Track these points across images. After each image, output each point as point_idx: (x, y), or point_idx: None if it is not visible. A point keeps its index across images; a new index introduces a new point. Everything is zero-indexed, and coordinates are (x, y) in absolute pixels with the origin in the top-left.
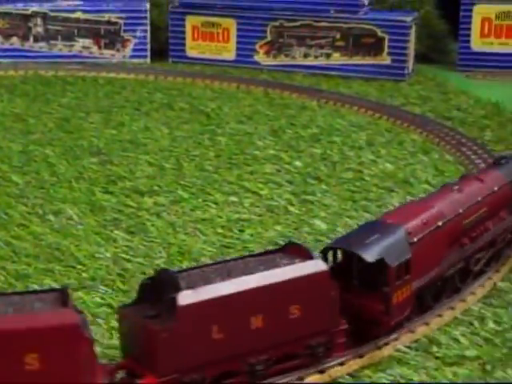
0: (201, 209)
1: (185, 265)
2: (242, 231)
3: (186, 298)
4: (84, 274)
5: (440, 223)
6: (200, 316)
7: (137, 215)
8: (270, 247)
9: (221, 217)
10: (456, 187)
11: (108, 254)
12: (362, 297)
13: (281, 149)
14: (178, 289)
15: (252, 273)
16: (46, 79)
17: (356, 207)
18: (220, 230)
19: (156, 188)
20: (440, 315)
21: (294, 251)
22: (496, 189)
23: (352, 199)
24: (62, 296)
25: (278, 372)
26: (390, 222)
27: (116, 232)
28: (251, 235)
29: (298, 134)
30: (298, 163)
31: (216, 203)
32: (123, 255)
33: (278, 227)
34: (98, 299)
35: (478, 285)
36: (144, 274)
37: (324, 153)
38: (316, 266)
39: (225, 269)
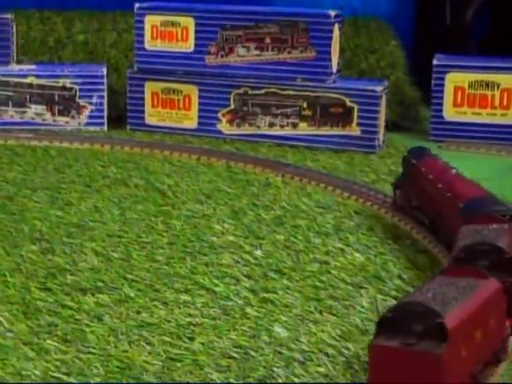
0: (148, 310)
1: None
2: (192, 339)
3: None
4: None
5: None
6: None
7: (75, 318)
8: (223, 360)
9: (169, 321)
10: None
11: (37, 372)
12: None
13: (241, 234)
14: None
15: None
16: None
17: (321, 308)
18: (167, 338)
19: (100, 284)
20: None
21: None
22: None
23: (317, 298)
24: None
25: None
26: None
27: (49, 341)
28: (202, 344)
29: (260, 216)
30: (258, 252)
31: (165, 303)
32: (55, 373)
33: (233, 334)
34: None
35: None
36: None
37: (287, 239)
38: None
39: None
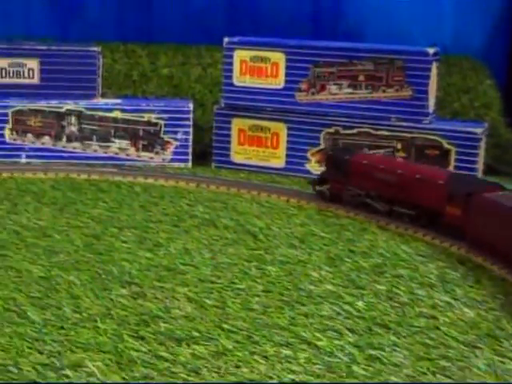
0: (247, 364)
1: None
2: None
3: None
4: None
5: None
6: None
7: (171, 371)
8: None
9: (271, 377)
10: None
11: None
12: None
13: (340, 283)
14: None
15: None
16: (78, 184)
17: (434, 369)
18: None
19: (195, 334)
20: None
21: None
22: None
23: (428, 357)
24: None
25: None
26: None
27: None
28: None
29: (357, 263)
30: (360, 304)
31: (266, 357)
32: None
33: None
34: None
35: None
36: None
37: (390, 290)
38: None
39: None
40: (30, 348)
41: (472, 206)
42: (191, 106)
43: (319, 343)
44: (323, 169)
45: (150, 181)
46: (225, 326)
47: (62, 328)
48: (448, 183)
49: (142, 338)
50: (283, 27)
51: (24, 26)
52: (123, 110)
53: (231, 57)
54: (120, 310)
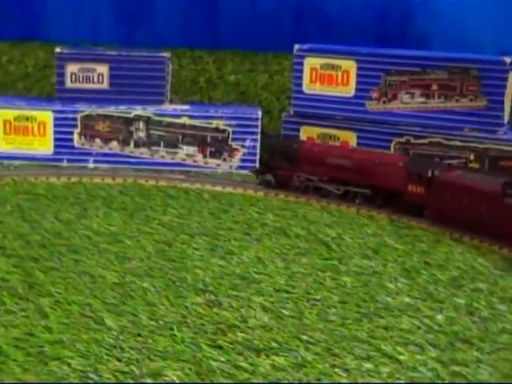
0: (329, 377)
1: None
2: None
3: None
4: None
5: None
6: None
7: (252, 383)
8: None
9: None
10: None
11: None
12: None
13: (417, 296)
14: None
15: None
16: (147, 190)
17: None
18: None
19: (274, 344)
20: None
21: None
22: None
23: None
24: None
25: None
26: None
27: None
28: None
29: (434, 276)
30: (439, 317)
31: (347, 370)
32: None
33: None
34: None
35: None
36: None
37: (469, 305)
38: None
39: None
40: (109, 355)
41: (435, 185)
42: (259, 113)
43: (401, 357)
44: (265, 158)
45: (218, 188)
46: (303, 337)
47: (139, 335)
48: (407, 165)
49: (220, 348)
50: (350, 34)
51: (91, 32)
52: (191, 117)
53: (301, 64)
54: (196, 319)
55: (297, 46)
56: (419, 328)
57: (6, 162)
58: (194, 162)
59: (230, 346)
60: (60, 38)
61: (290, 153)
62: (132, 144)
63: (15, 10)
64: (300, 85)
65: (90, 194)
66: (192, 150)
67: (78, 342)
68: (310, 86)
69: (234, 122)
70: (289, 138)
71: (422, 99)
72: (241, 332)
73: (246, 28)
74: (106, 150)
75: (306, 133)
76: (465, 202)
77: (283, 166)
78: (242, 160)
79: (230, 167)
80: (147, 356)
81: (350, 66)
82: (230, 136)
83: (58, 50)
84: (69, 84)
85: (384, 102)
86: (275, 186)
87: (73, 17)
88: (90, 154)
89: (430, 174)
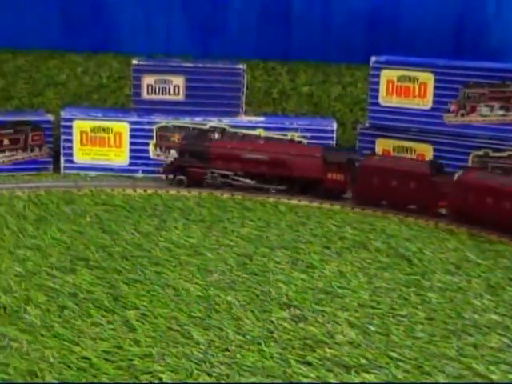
0: None
1: None
2: None
3: None
4: None
5: None
6: None
7: None
8: None
9: None
10: None
11: None
12: None
13: (505, 313)
14: None
15: None
16: (222, 202)
17: None
18: None
19: (363, 361)
20: None
21: None
22: None
23: None
24: None
25: None
26: None
27: None
28: None
29: None
30: None
31: None
32: None
33: None
34: None
35: None
36: None
37: None
38: None
39: None
40: (199, 370)
41: (358, 171)
42: (335, 125)
43: (493, 376)
44: (173, 158)
45: (294, 201)
46: (392, 354)
47: (227, 350)
48: (324, 155)
49: (309, 364)
50: (423, 46)
51: (165, 44)
52: (266, 128)
53: (378, 76)
54: (283, 333)
55: (373, 58)
56: (510, 346)
57: (82, 172)
58: None
59: (319, 362)
60: (133, 50)
61: (201, 151)
62: None
63: (89, 22)
64: (376, 97)
65: (167, 206)
66: None
67: (167, 355)
68: (386, 99)
69: (308, 134)
70: (197, 136)
71: (501, 112)
72: (329, 348)
73: (319, 39)
74: None
75: (382, 145)
76: (393, 184)
77: (195, 165)
78: None
79: None
80: (237, 371)
81: (427, 78)
82: None
83: (134, 61)
84: (145, 95)
85: (462, 115)
86: (187, 185)
87: (146, 28)
88: None
89: (347, 161)
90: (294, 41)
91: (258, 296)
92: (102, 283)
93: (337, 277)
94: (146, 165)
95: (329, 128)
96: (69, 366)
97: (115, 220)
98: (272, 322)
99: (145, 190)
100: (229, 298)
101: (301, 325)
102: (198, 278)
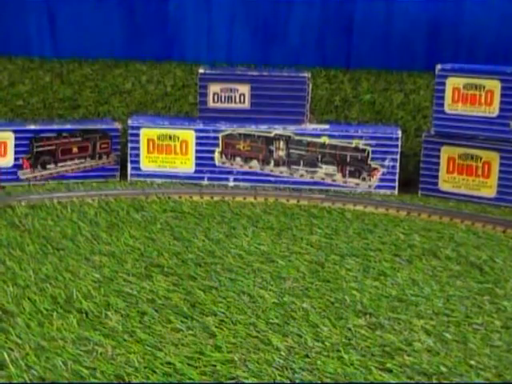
0: None
1: None
2: None
3: None
4: None
5: None
6: None
7: None
8: None
9: None
10: None
11: None
12: None
13: None
14: None
15: None
16: (289, 209)
17: None
18: None
19: (443, 369)
20: None
21: None
22: None
23: None
24: None
25: None
26: None
27: None
28: None
29: None
30: None
31: None
32: None
33: None
34: None
35: None
36: None
37: None
38: None
39: None
40: (281, 376)
41: None
42: (399, 132)
43: None
44: None
45: (359, 208)
46: (471, 362)
47: (307, 356)
48: None
49: (390, 371)
50: (487, 52)
51: (226, 51)
52: (331, 136)
53: (443, 84)
54: (361, 341)
55: (439, 66)
56: None
57: (148, 179)
58: (333, 181)
59: (400, 370)
60: (195, 58)
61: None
62: (272, 163)
63: (152, 30)
64: (441, 105)
65: (234, 213)
66: (331, 169)
67: (249, 361)
68: (451, 106)
69: (373, 142)
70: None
71: None
72: (408, 355)
73: (380, 47)
74: (246, 169)
75: (447, 153)
76: None
77: None
78: (381, 180)
79: (369, 187)
80: (318, 377)
81: (494, 85)
82: (370, 155)
83: (201, 70)
84: (211, 103)
85: None
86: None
87: (208, 36)
88: (230, 173)
89: None
90: (355, 48)
91: (332, 303)
92: (178, 289)
93: (409, 284)
94: (212, 172)
95: (394, 136)
96: (154, 371)
97: (185, 227)
98: (349, 329)
99: (212, 197)
100: (304, 305)
101: (378, 332)
102: (272, 285)
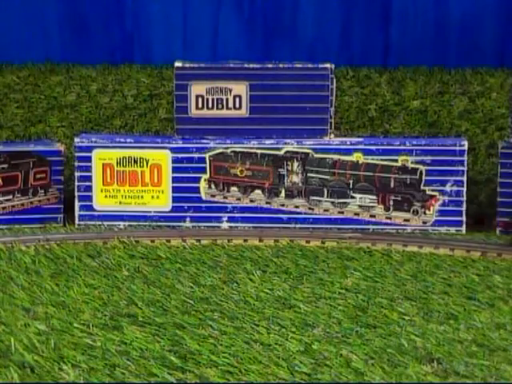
0: None
1: None
2: None
3: None
4: None
5: None
6: None
7: None
8: None
9: None
10: None
11: None
12: None
13: None
14: None
15: None
16: (311, 252)
17: None
18: None
19: None
20: None
21: None
22: None
23: None
24: None
25: None
26: None
27: None
28: None
29: None
30: None
31: None
32: None
33: None
34: None
35: None
36: None
37: None
38: None
39: None
40: None
41: None
42: (465, 143)
43: None
44: None
45: (412, 248)
46: None
47: None
48: None
49: None
50: None
51: (211, 51)
52: (367, 152)
53: None
54: None
55: None
56: None
57: (106, 223)
58: (372, 216)
59: None
60: (166, 59)
61: None
62: (283, 193)
63: (103, 25)
64: None
65: (233, 257)
66: (368, 199)
67: None
68: None
69: (428, 158)
70: None
71: None
72: None
73: (431, 38)
74: (245, 203)
75: None
76: None
77: None
78: (441, 212)
79: (424, 223)
80: None
81: None
82: (423, 178)
83: (178, 64)
84: (193, 111)
85: None
86: None
87: (184, 30)
88: (223, 210)
89: None
90: (394, 41)
91: (383, 349)
92: (161, 340)
93: (492, 329)
94: (197, 209)
95: (457, 148)
96: None
97: (163, 274)
98: (410, 376)
99: (198, 240)
100: (343, 352)
101: (450, 380)
102: (293, 333)
